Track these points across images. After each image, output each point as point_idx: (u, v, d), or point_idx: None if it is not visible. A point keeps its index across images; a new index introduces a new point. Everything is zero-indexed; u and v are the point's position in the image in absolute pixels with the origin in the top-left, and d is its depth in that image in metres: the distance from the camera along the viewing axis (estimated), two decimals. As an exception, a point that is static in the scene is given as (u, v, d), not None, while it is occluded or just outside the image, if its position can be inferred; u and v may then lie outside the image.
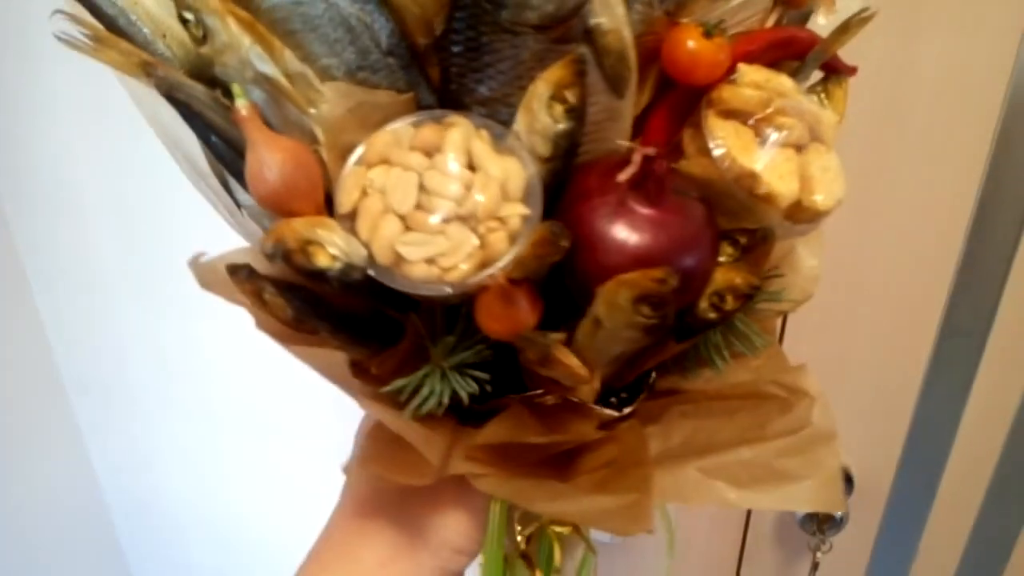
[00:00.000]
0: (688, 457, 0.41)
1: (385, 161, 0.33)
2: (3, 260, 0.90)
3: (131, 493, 1.13)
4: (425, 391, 0.37)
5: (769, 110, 0.37)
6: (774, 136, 0.37)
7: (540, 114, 0.33)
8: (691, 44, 0.37)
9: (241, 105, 0.29)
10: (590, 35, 0.33)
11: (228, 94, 0.32)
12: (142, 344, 0.96)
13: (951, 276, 0.72)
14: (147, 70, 0.29)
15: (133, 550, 1.21)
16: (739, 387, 0.43)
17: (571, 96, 0.33)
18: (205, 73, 0.31)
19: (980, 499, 0.80)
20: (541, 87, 0.33)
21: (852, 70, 0.45)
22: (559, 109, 0.33)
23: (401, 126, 0.34)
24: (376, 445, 0.38)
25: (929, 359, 0.75)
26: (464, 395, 0.37)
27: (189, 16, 0.29)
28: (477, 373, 0.37)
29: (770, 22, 0.42)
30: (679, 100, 0.40)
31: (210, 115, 0.32)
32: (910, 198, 0.70)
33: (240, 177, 0.36)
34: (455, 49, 0.34)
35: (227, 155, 0.34)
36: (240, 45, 0.29)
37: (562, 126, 0.33)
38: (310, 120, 0.32)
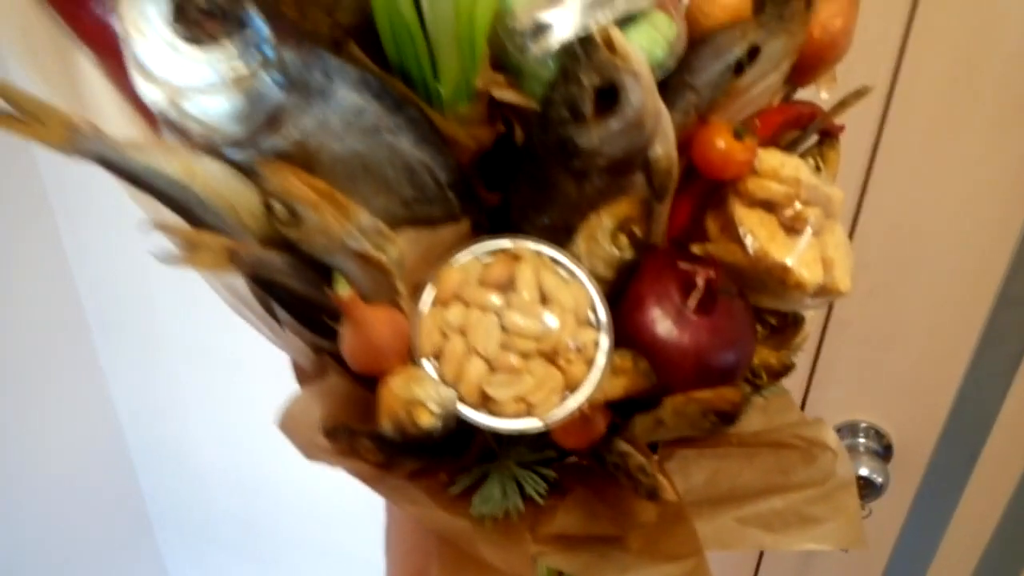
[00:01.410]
0: (721, 505, 0.45)
1: (459, 299, 0.34)
2: (33, 200, 0.90)
3: (153, 437, 1.13)
4: (494, 491, 0.39)
5: (798, 207, 0.40)
6: (806, 234, 0.40)
7: (604, 244, 0.35)
8: (722, 145, 0.39)
9: (343, 291, 0.29)
10: (647, 164, 0.34)
11: (293, 249, 0.31)
12: (168, 287, 0.93)
13: (1012, 244, 0.68)
14: (232, 257, 0.28)
15: (154, 494, 1.21)
16: (756, 436, 0.47)
17: (637, 230, 0.34)
18: (276, 237, 0.31)
19: (1018, 475, 0.79)
20: (606, 220, 0.34)
21: (841, 128, 0.48)
22: (624, 240, 0.34)
23: (468, 260, 0.35)
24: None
25: (982, 329, 0.72)
26: (535, 494, 0.39)
27: (275, 203, 0.28)
28: (544, 470, 0.39)
29: (777, 99, 0.44)
30: (703, 188, 0.42)
31: (282, 278, 0.31)
32: (972, 162, 0.67)
33: (294, 310, 0.36)
34: (520, 184, 0.35)
35: (291, 302, 0.34)
36: (332, 229, 0.29)
37: (627, 255, 0.35)
38: (395, 279, 0.32)
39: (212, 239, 0.28)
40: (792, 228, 0.41)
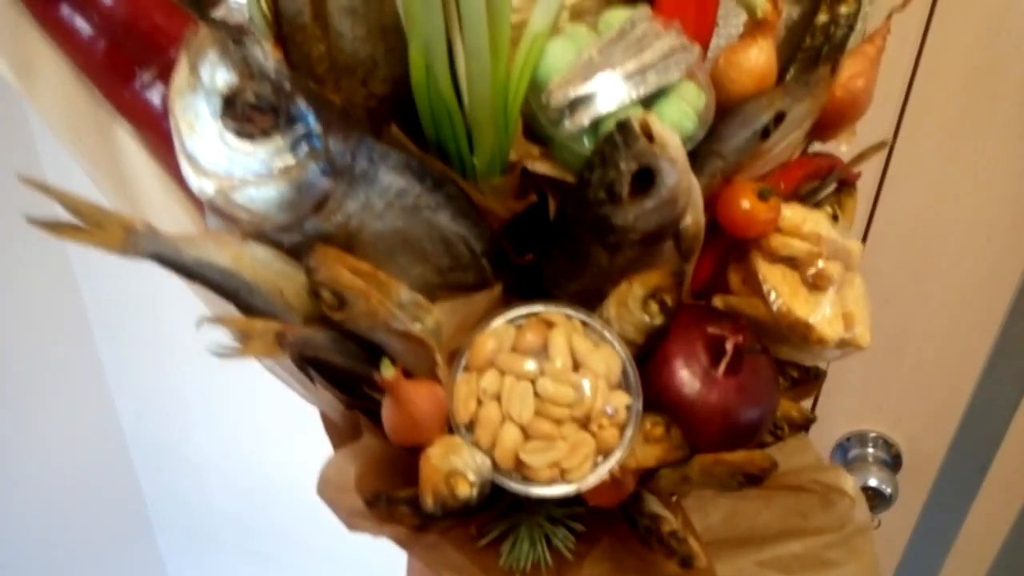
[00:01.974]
0: (741, 547, 0.46)
1: (493, 366, 0.35)
2: (34, 198, 0.90)
3: (154, 438, 1.13)
4: (523, 544, 0.40)
5: (820, 265, 0.40)
6: (829, 292, 0.40)
7: (634, 310, 0.35)
8: (746, 205, 0.40)
9: (388, 373, 0.30)
10: (676, 233, 0.35)
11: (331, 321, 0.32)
12: (171, 289, 0.92)
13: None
14: (280, 341, 0.29)
15: (155, 495, 1.21)
16: (774, 478, 0.48)
17: (668, 299, 0.35)
18: (320, 315, 0.31)
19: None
20: (638, 289, 0.35)
21: (857, 176, 0.49)
22: (654, 307, 0.35)
23: (500, 326, 0.35)
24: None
25: (995, 338, 0.71)
26: (563, 547, 0.40)
27: (323, 291, 0.29)
28: (573, 524, 0.40)
29: (797, 152, 0.45)
30: (727, 242, 0.43)
31: (325, 354, 0.32)
32: (986, 170, 0.66)
33: (330, 375, 0.36)
34: (553, 253, 0.35)
35: (328, 370, 0.35)
36: (376, 312, 0.29)
37: (657, 322, 0.35)
38: (434, 352, 0.32)
39: (263, 326, 0.28)
40: (814, 285, 0.41)
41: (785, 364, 0.43)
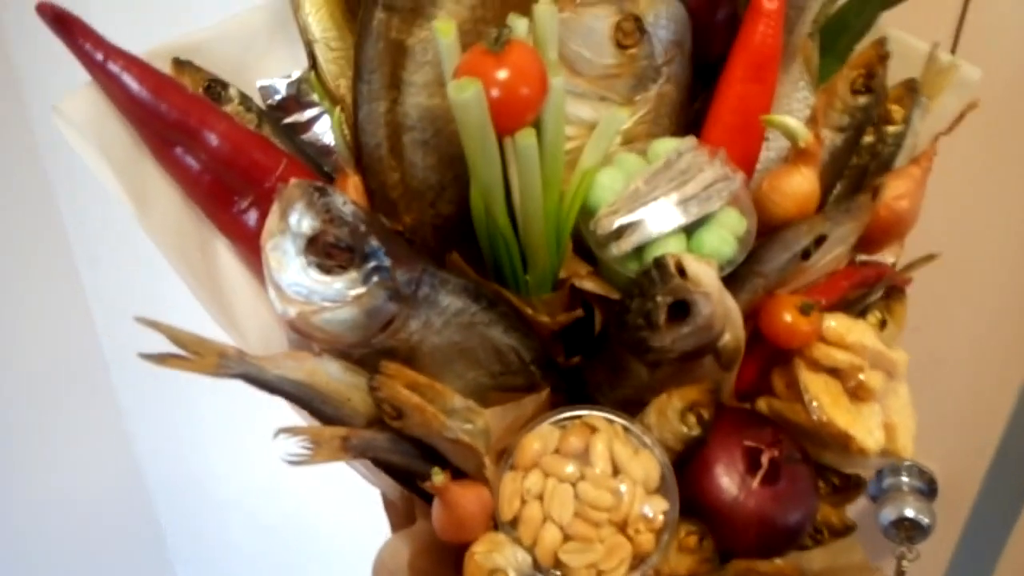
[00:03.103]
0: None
1: (537, 467, 0.38)
2: (52, 240, 0.91)
3: (171, 473, 1.14)
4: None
5: (862, 377, 0.42)
6: (870, 404, 0.42)
7: (673, 421, 0.38)
8: (788, 319, 0.41)
9: (438, 480, 0.33)
10: (717, 351, 0.37)
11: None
12: (186, 324, 0.94)
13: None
14: (344, 445, 0.33)
15: (173, 531, 1.22)
16: (819, 575, 0.49)
17: (705, 413, 0.37)
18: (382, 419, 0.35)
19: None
20: (676, 402, 0.37)
21: (908, 282, 0.49)
22: (692, 420, 0.37)
23: (546, 428, 0.38)
24: None
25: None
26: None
27: (385, 404, 0.32)
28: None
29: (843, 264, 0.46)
30: (771, 349, 0.44)
31: (385, 455, 0.35)
32: (1018, 192, 0.66)
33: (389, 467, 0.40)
34: (596, 364, 0.38)
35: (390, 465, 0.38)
36: (430, 424, 0.33)
37: (695, 433, 0.37)
38: (483, 456, 0.35)
39: (330, 434, 0.32)
40: (856, 395, 0.43)
41: (826, 470, 0.44)
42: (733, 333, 0.38)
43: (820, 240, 0.40)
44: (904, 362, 0.45)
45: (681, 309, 0.34)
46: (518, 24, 0.34)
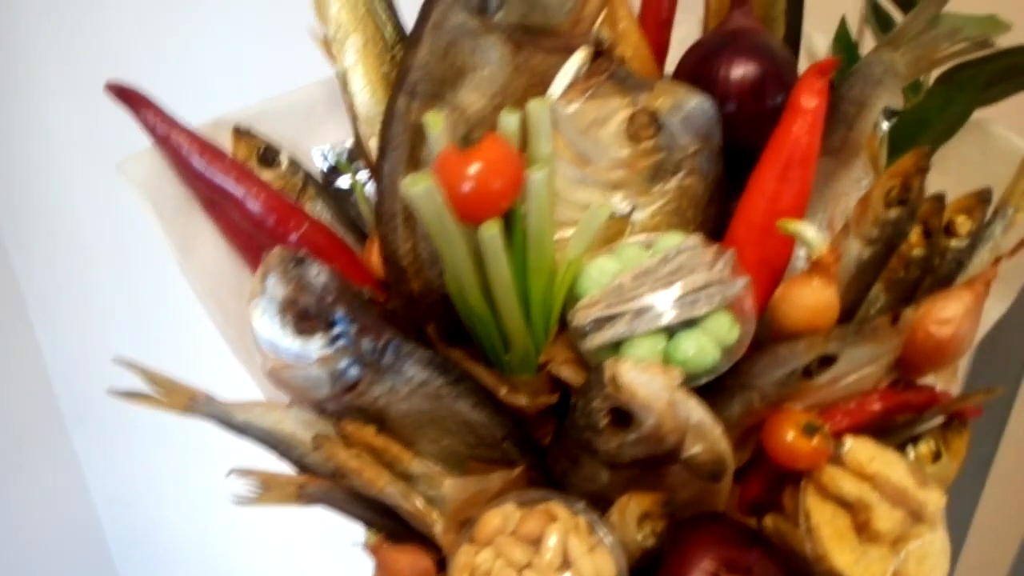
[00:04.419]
0: None
1: (492, 545, 0.38)
2: (3, 290, 0.90)
3: (128, 523, 1.14)
4: None
5: (864, 516, 0.38)
6: (882, 548, 0.37)
7: (631, 527, 0.37)
8: (789, 437, 0.39)
9: (369, 540, 0.35)
10: (685, 462, 0.36)
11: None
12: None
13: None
14: (300, 492, 0.36)
15: None
16: None
17: (657, 526, 0.36)
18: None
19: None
20: (634, 507, 0.36)
21: (977, 412, 0.44)
22: (648, 529, 0.36)
23: (511, 507, 0.39)
24: None
25: None
26: None
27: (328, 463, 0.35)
28: None
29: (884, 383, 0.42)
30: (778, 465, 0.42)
31: (343, 505, 0.38)
32: None
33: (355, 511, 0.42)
34: (557, 455, 0.38)
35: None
36: (369, 486, 0.35)
37: (649, 543, 0.36)
38: (430, 523, 0.37)
39: (284, 479, 0.35)
40: (864, 533, 0.39)
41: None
42: (706, 446, 0.36)
43: (827, 360, 0.37)
44: (937, 505, 0.40)
45: (627, 415, 0.33)
46: (509, 119, 0.36)
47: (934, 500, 0.40)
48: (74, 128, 0.72)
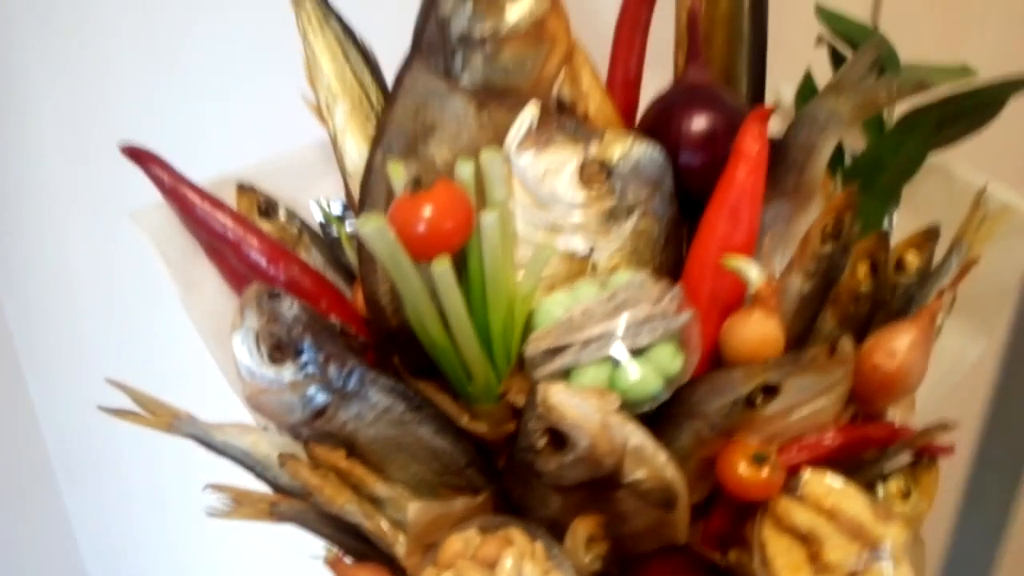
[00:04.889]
0: None
1: (453, 568, 0.40)
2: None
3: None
4: None
5: (815, 548, 0.38)
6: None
7: (580, 553, 0.38)
8: (739, 467, 0.40)
9: (328, 556, 0.38)
10: (630, 487, 0.37)
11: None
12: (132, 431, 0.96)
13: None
14: (271, 509, 0.39)
15: None
16: None
17: (600, 549, 0.37)
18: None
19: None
20: (580, 530, 0.38)
21: (948, 450, 0.44)
22: (595, 552, 0.38)
23: (472, 532, 0.41)
24: None
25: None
26: None
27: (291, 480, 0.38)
28: None
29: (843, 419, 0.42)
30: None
31: (316, 525, 0.41)
32: None
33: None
34: (514, 486, 0.40)
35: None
36: (329, 504, 0.38)
37: (596, 566, 0.38)
38: (390, 543, 0.39)
39: (257, 496, 0.39)
40: (818, 566, 0.39)
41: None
42: (651, 472, 0.38)
43: (770, 390, 0.38)
44: (898, 540, 0.40)
45: (563, 437, 0.35)
46: (464, 168, 0.40)
47: (895, 536, 0.40)
48: (67, 182, 0.75)
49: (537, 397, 0.35)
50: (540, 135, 0.42)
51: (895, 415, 0.42)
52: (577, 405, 0.34)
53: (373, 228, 0.36)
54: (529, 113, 0.41)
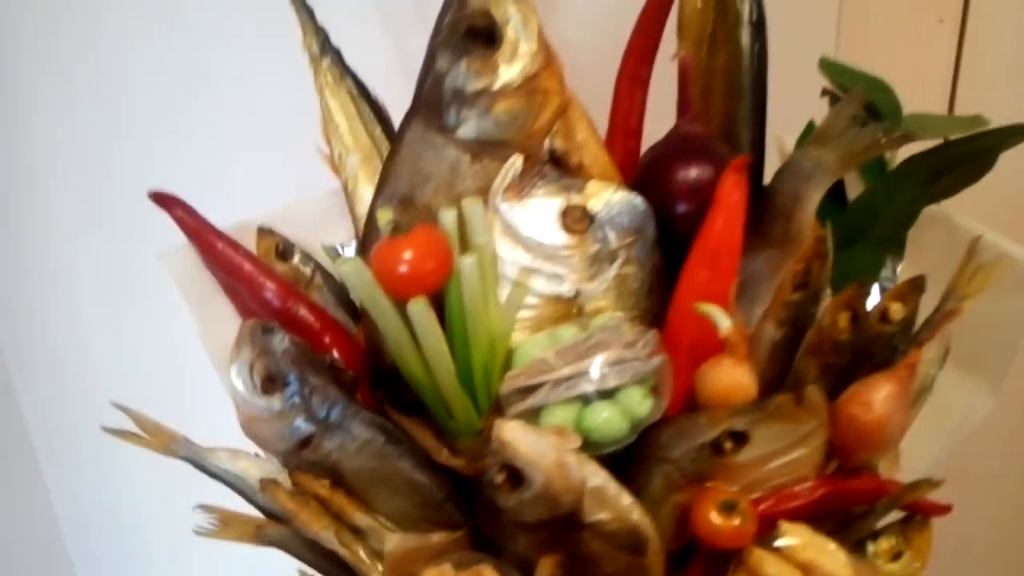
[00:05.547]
0: None
1: (427, 601, 0.41)
2: (15, 438, 0.91)
3: None
4: None
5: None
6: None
7: (545, 588, 0.38)
8: (710, 515, 0.39)
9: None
10: (593, 528, 0.38)
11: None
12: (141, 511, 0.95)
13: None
14: (257, 533, 0.41)
15: None
16: None
17: (563, 590, 0.37)
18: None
19: None
20: (542, 569, 0.38)
21: (944, 510, 0.42)
22: (559, 593, 0.38)
23: (448, 568, 0.42)
24: None
25: None
26: None
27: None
28: None
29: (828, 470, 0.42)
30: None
31: (300, 550, 0.43)
32: None
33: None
34: (485, 523, 0.41)
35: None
36: (306, 530, 0.40)
37: (561, 606, 0.38)
38: (367, 571, 0.41)
39: (244, 518, 0.41)
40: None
41: None
42: (614, 514, 0.38)
43: (740, 437, 0.38)
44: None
45: (520, 474, 0.36)
46: (447, 215, 0.42)
47: (878, 591, 0.38)
48: (79, 239, 0.79)
49: (490, 434, 0.36)
50: (523, 183, 0.44)
51: (878, 468, 0.41)
52: (531, 442, 0.35)
53: (350, 269, 0.38)
54: (512, 164, 0.43)
